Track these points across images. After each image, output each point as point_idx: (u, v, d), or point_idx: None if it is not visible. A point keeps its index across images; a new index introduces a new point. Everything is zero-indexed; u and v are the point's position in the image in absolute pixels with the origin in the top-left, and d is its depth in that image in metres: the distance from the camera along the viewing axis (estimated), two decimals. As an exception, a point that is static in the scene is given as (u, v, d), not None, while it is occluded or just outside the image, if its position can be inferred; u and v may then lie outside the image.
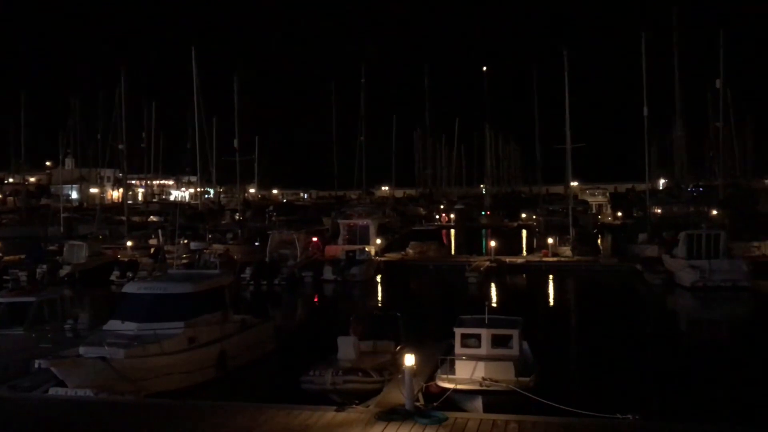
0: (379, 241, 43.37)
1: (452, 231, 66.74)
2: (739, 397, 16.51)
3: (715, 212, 49.60)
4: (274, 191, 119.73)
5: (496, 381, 14.23)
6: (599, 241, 46.95)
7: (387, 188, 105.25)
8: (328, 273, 36.26)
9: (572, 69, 46.23)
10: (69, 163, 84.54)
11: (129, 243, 42.17)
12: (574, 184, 60.70)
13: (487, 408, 13.67)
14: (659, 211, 56.44)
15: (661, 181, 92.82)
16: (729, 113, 59.06)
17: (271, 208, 76.23)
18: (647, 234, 42.55)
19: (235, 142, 56.16)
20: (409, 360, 13.11)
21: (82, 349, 16.19)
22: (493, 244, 41.93)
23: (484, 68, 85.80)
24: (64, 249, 39.28)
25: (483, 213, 75.23)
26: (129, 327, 17.54)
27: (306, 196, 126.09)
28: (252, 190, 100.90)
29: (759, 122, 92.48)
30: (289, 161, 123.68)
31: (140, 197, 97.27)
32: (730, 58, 55.72)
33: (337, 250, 40.75)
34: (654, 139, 77.42)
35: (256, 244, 43.15)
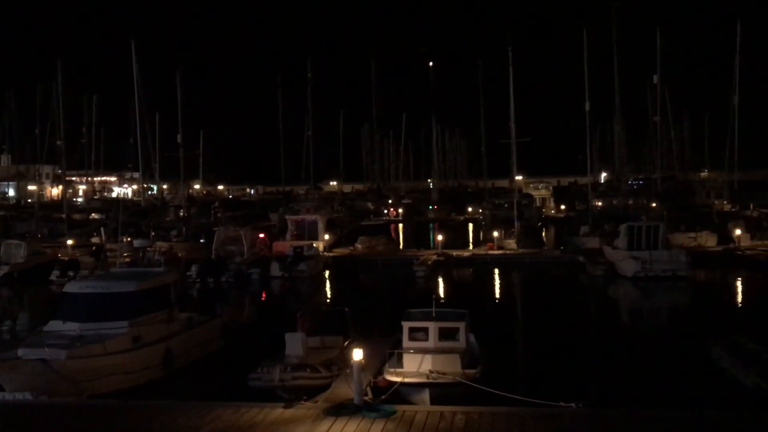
0: (327, 236, 43.25)
1: (400, 225, 67.07)
2: (679, 382, 17.10)
3: (654, 204, 51.13)
4: (220, 187, 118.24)
5: (443, 373, 14.40)
6: (543, 233, 47.89)
7: (335, 183, 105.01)
8: (275, 269, 36.00)
9: (517, 64, 46.98)
10: (5, 159, 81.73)
11: (69, 241, 41.04)
12: (519, 178, 61.64)
13: (435, 400, 13.82)
14: (600, 204, 57.88)
15: (603, 175, 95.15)
16: (666, 108, 60.84)
17: (216, 204, 75.30)
18: (589, 226, 43.59)
19: (179, 137, 55.23)
20: (358, 355, 13.16)
21: (20, 351, 15.73)
22: (440, 238, 42.31)
23: (431, 63, 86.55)
24: (1, 248, 37.97)
25: (430, 207, 75.80)
26: (71, 327, 17.12)
27: (252, 191, 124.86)
28: (197, 186, 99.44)
29: (695, 117, 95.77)
30: (235, 156, 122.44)
31: (81, 194, 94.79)
32: (667, 54, 57.51)
33: (285, 246, 40.47)
34: (596, 134, 79.38)
35: (202, 241, 42.53)
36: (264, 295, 33.99)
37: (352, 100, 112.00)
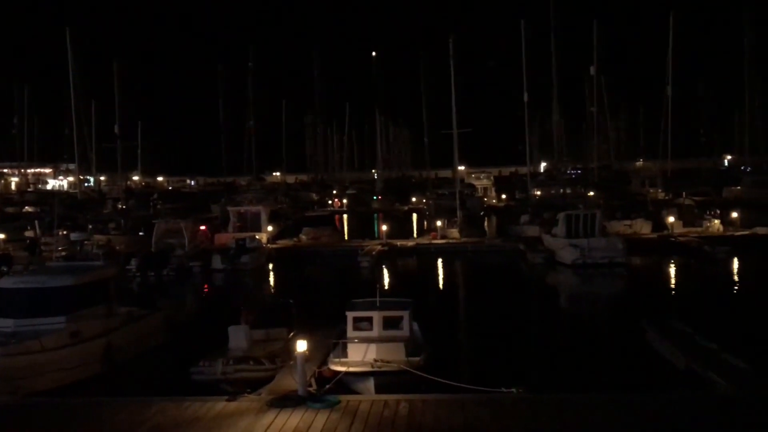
0: (270, 228, 42.90)
1: (345, 216, 67.05)
2: (616, 365, 17.68)
3: (591, 193, 52.47)
4: (159, 178, 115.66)
5: (388, 362, 14.54)
6: (485, 222, 48.57)
7: (278, 174, 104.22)
8: (217, 262, 35.57)
9: (458, 56, 47.39)
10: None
11: (1, 236, 39.64)
12: (462, 168, 62.39)
13: (379, 389, 13.95)
14: (539, 193, 59.07)
15: (543, 165, 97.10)
16: (603, 99, 62.39)
17: (155, 195, 73.75)
18: (529, 215, 44.45)
19: (116, 128, 53.88)
20: (302, 346, 13.18)
21: (-48, 350, 15.18)
22: (384, 228, 42.48)
23: (374, 53, 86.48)
24: (-72, 244, 36.45)
25: (375, 198, 75.95)
26: (5, 324, 16.60)
27: (193, 182, 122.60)
28: (135, 178, 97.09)
29: (630, 108, 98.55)
30: (175, 147, 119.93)
31: (14, 187, 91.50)
32: (604, 47, 59.00)
33: (227, 238, 39.98)
34: (535, 124, 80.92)
35: (141, 233, 41.62)
36: (206, 288, 33.56)
37: (295, 90, 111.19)
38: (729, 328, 19.94)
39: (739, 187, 62.99)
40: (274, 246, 40.78)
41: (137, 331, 19.17)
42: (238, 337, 16.79)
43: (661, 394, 13.24)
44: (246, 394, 13.23)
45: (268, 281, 35.15)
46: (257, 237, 39.22)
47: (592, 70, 57.12)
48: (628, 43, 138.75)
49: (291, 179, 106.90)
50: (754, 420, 11.49)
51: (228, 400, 12.93)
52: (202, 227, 41.99)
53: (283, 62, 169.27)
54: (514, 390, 13.02)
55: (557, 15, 50.81)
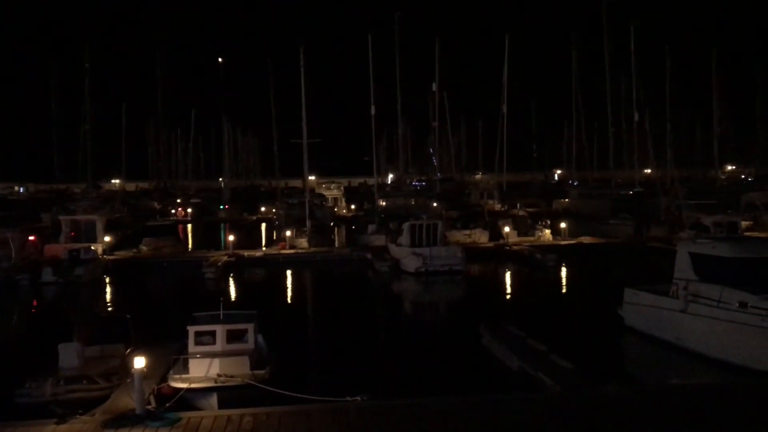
0: (107, 238, 40.78)
1: (189, 226, 64.95)
2: (455, 369, 18.45)
3: (434, 204, 54.52)
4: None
5: (232, 376, 14.26)
6: (335, 232, 48.94)
7: (117, 181, 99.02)
8: (48, 275, 33.25)
9: (308, 66, 47.55)
10: None
11: None
12: (312, 178, 62.51)
13: (223, 404, 13.66)
14: (385, 203, 60.54)
15: (390, 176, 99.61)
16: (445, 114, 65.09)
17: (-23, 203, 67.52)
18: (376, 225, 45.43)
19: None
20: (139, 362, 12.61)
21: None
22: (231, 238, 41.65)
23: (220, 59, 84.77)
24: None
25: (221, 207, 74.28)
26: None
27: (22, 189, 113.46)
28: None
29: (470, 123, 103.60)
30: (1, 150, 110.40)
31: None
32: (446, 64, 61.67)
33: (59, 249, 37.48)
34: (382, 137, 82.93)
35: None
36: (35, 303, 31.21)
37: (137, 94, 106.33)
38: (557, 330, 21.48)
39: (567, 200, 68.05)
40: (111, 257, 38.78)
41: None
42: (70, 354, 15.76)
43: (496, 396, 14.01)
44: (78, 416, 12.44)
45: (105, 295, 33.26)
46: (92, 248, 37.14)
47: (435, 86, 59.52)
48: (469, 61, 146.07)
49: (131, 187, 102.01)
50: (579, 417, 12.43)
51: (57, 423, 12.11)
52: (31, 237, 39.20)
53: (124, 64, 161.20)
54: (358, 398, 13.21)
55: (402, 31, 52.44)
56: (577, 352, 17.37)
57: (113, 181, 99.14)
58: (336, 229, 49.31)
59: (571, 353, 16.81)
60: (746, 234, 35.76)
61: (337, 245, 44.68)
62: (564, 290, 32.53)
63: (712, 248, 19.19)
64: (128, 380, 13.68)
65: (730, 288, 17.53)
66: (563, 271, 35.76)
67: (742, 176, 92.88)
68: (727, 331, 17.25)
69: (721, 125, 71.84)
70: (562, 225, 44.60)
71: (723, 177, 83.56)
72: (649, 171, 59.35)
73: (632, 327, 21.06)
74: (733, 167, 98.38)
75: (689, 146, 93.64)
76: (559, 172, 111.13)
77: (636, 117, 53.91)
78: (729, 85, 73.19)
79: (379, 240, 41.98)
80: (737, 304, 17.20)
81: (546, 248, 39.24)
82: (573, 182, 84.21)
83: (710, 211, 41.06)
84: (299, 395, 13.38)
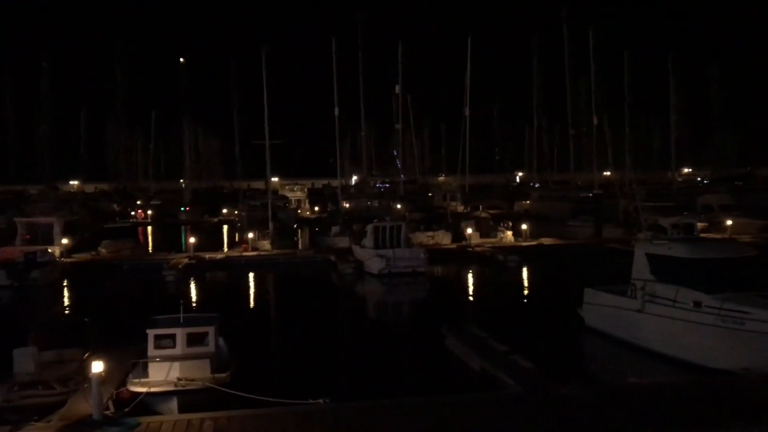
0: (65, 240, 39.94)
1: (149, 228, 64.01)
2: (419, 370, 18.52)
3: (398, 206, 54.64)
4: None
5: (192, 380, 14.09)
6: (298, 234, 48.76)
7: (76, 182, 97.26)
8: (2, 278, 32.51)
9: (270, 67, 47.27)
10: None
11: None
12: (275, 179, 62.19)
13: (183, 408, 13.48)
14: (349, 205, 60.48)
15: (354, 178, 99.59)
16: (409, 117, 65.30)
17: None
18: (339, 227, 45.34)
19: None
20: (97, 367, 12.40)
21: None
22: (192, 240, 41.14)
23: (182, 60, 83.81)
24: None
25: (182, 209, 73.47)
26: None
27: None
28: None
29: (433, 126, 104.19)
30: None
31: None
32: (409, 66, 61.89)
33: (14, 251, 36.60)
34: (346, 139, 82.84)
35: None
36: (-12, 308, 30.43)
37: (96, 94, 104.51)
38: (519, 330, 21.72)
39: (528, 202, 68.83)
40: (69, 260, 38.05)
41: None
42: (25, 359, 15.38)
43: (458, 396, 14.10)
44: (33, 422, 12.18)
45: (62, 298, 32.58)
46: (49, 250, 36.36)
47: (398, 88, 59.72)
48: (432, 63, 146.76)
49: (90, 188, 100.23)
50: (540, 416, 12.57)
51: (12, 430, 11.82)
52: (-15, 240, 38.17)
53: (83, 63, 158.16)
54: (321, 401, 13.19)
55: (365, 33, 52.53)
56: (538, 352, 17.59)
57: (72, 182, 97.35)
58: (299, 231, 49.14)
59: (532, 353, 16.99)
60: (702, 235, 36.51)
61: (300, 247, 44.52)
62: (525, 291, 32.88)
63: (668, 249, 19.57)
64: (85, 385, 13.42)
65: (686, 288, 17.92)
66: (524, 272, 36.15)
67: (698, 179, 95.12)
68: (682, 330, 17.63)
69: (678, 129, 73.61)
70: (524, 226, 45.06)
71: (679, 179, 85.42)
72: (608, 173, 60.35)
73: (592, 327, 21.37)
74: (689, 170, 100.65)
75: (647, 149, 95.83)
76: (520, 174, 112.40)
77: (595, 121, 54.93)
78: (685, 90, 75.06)
79: (343, 242, 41.93)
80: (692, 304, 17.59)
81: (508, 249, 39.62)
82: (534, 184, 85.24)
83: (667, 212, 41.88)
84: (261, 398, 13.29)
